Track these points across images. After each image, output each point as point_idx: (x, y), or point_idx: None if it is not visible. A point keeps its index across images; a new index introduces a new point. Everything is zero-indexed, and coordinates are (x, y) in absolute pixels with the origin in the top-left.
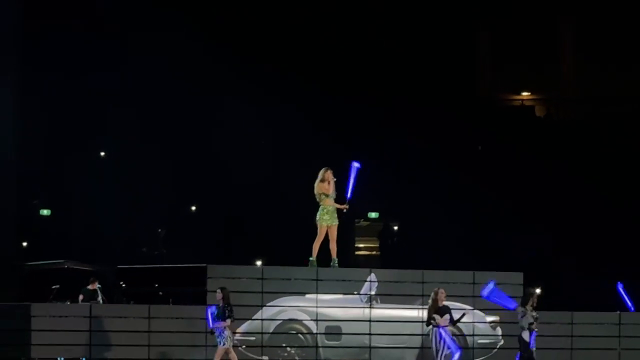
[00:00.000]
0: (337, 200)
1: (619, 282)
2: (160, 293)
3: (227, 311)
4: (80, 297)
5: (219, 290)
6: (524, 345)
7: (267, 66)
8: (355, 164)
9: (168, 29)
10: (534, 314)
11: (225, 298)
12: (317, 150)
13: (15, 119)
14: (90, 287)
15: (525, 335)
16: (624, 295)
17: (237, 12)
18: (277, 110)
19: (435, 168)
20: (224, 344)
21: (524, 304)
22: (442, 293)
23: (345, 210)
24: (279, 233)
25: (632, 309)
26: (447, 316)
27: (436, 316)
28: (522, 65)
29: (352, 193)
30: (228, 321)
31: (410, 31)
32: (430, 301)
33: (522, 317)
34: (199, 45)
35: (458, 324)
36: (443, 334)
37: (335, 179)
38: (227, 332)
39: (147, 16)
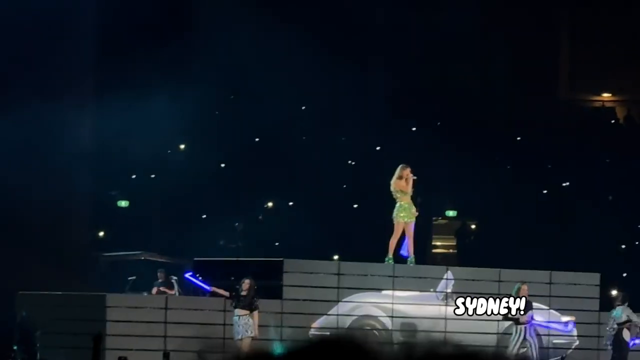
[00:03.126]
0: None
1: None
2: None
3: (254, 302)
4: (154, 290)
5: (247, 281)
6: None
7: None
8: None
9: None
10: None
11: (251, 289)
12: (400, 147)
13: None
14: (160, 280)
15: (626, 334)
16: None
17: None
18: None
19: (514, 167)
20: (241, 335)
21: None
22: (524, 290)
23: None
24: (358, 229)
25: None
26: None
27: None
28: (602, 66)
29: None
30: (255, 313)
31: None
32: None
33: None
34: None
35: (534, 322)
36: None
37: (415, 177)
38: (246, 322)
39: None
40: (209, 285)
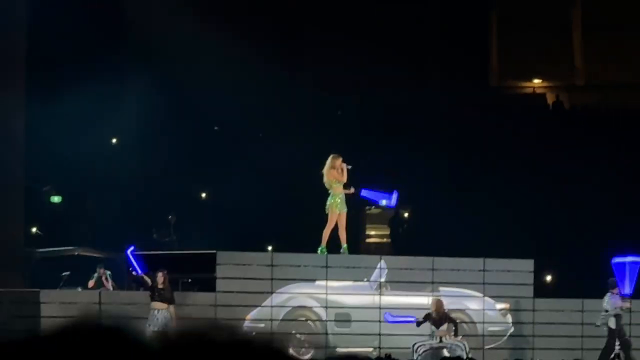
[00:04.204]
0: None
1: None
2: (188, 280)
3: (172, 295)
4: (90, 283)
5: (162, 273)
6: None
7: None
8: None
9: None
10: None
11: (167, 281)
12: (327, 137)
13: (25, 106)
14: (98, 274)
15: (612, 322)
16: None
17: None
18: (287, 100)
19: (446, 155)
20: (159, 328)
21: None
22: (435, 305)
23: (352, 194)
24: (289, 220)
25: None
26: (448, 326)
27: (433, 327)
28: (532, 52)
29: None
30: (173, 306)
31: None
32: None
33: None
34: None
35: (468, 311)
36: None
37: (350, 167)
38: (165, 315)
39: None
40: (142, 270)
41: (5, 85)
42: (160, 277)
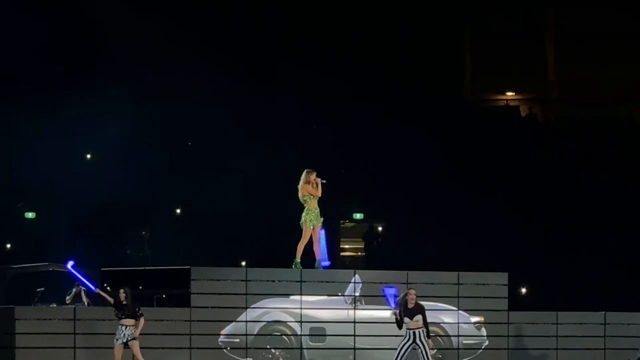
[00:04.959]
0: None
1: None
2: (163, 296)
3: (138, 310)
4: (67, 299)
5: (123, 290)
6: None
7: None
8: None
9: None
10: None
11: (129, 297)
12: (301, 151)
13: None
14: (75, 290)
15: None
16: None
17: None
18: (259, 113)
19: (420, 168)
20: (121, 342)
21: None
22: (409, 294)
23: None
24: (264, 234)
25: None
26: (418, 317)
27: (406, 318)
28: (506, 64)
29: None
30: (142, 319)
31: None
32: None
33: None
34: None
35: (442, 325)
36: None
37: (324, 181)
38: (132, 332)
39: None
40: (94, 286)
41: None
42: (122, 293)
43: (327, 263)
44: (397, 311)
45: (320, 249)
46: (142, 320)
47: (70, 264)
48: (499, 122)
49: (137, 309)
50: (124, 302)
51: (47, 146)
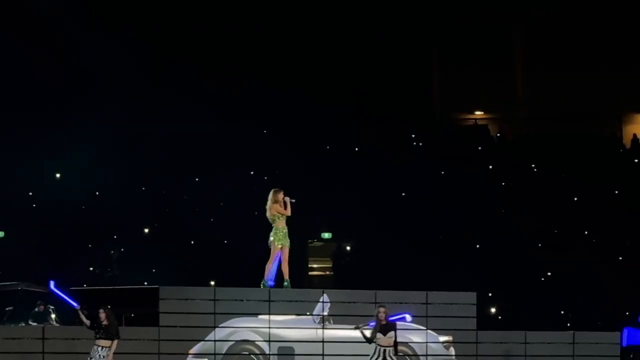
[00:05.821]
0: None
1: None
2: (131, 315)
3: (117, 331)
4: (30, 321)
5: (103, 310)
6: None
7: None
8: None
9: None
10: None
11: (110, 317)
12: (268, 171)
13: None
14: (38, 309)
15: None
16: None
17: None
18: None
19: (387, 188)
20: None
21: None
22: (380, 312)
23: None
24: (232, 254)
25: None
26: (391, 334)
27: (379, 334)
28: (474, 84)
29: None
30: (116, 341)
31: (363, 51)
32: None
33: None
34: None
35: (411, 344)
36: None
37: (294, 200)
38: (107, 354)
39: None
40: (77, 303)
41: None
42: (102, 314)
43: (272, 283)
44: (361, 325)
45: (272, 269)
46: (116, 341)
47: (52, 284)
48: (468, 141)
49: (117, 329)
50: (105, 323)
51: (16, 164)
